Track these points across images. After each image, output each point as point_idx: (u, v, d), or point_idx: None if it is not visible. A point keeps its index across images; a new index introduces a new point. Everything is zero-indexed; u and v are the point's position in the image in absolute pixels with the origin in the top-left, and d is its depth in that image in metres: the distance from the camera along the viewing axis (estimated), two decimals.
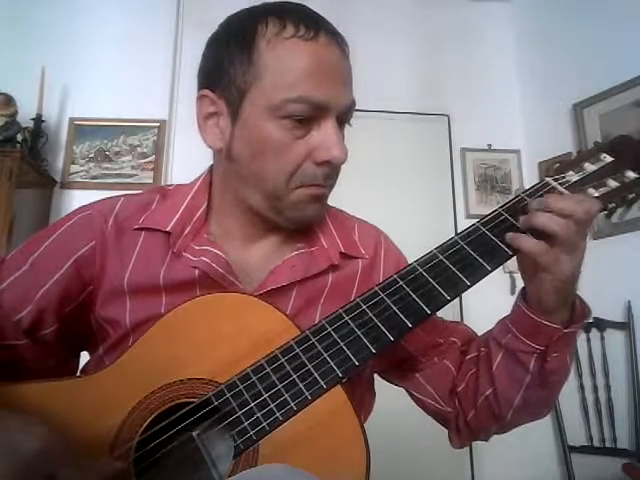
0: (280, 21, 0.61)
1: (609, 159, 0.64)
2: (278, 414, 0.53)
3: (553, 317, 0.60)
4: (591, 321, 2.08)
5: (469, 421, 0.71)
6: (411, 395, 0.77)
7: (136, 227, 0.68)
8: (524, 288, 0.64)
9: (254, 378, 0.55)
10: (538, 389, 0.64)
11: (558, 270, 0.57)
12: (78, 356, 0.74)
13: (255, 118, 0.62)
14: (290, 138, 0.61)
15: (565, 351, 0.62)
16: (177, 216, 0.68)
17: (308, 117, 0.61)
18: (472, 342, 0.75)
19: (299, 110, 0.60)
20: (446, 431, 0.76)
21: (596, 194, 0.61)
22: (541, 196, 0.61)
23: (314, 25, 0.62)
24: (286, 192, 0.63)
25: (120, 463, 0.52)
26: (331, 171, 0.65)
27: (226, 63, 0.63)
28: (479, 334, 0.76)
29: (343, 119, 0.65)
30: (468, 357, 0.73)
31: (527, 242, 0.57)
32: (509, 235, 0.59)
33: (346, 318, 0.57)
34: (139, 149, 2.41)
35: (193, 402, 0.55)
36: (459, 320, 2.26)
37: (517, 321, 0.64)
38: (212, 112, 0.65)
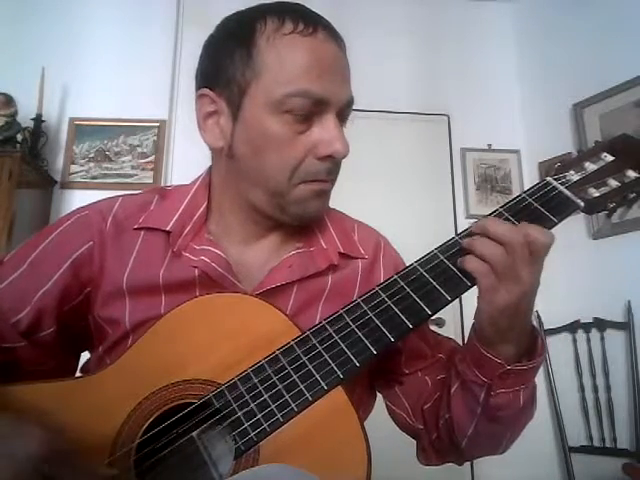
0: (279, 18, 0.62)
1: (610, 158, 0.64)
2: (279, 415, 0.53)
3: (497, 350, 0.57)
4: (591, 321, 2.08)
5: (433, 442, 0.69)
6: (387, 406, 0.75)
7: (136, 226, 0.68)
8: None
9: (255, 379, 0.55)
10: (487, 422, 0.61)
11: (492, 298, 0.54)
12: (77, 357, 0.74)
13: (256, 114, 0.62)
14: (291, 133, 0.61)
15: (516, 390, 0.58)
16: (177, 215, 0.68)
17: (309, 112, 0.61)
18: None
19: (300, 104, 0.60)
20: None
21: (597, 194, 0.61)
22: (542, 196, 0.61)
23: (312, 22, 0.62)
24: (289, 188, 0.63)
25: (116, 471, 0.52)
26: (333, 166, 0.65)
27: (225, 61, 0.63)
28: None
29: (342, 115, 0.65)
30: (438, 378, 0.71)
31: (470, 261, 0.55)
32: (460, 259, 0.57)
33: (347, 319, 0.57)
34: (139, 149, 2.41)
35: (194, 403, 0.55)
36: (459, 320, 2.26)
37: (468, 349, 0.61)
38: (212, 111, 0.65)
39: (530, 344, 0.59)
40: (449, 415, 0.65)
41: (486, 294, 0.55)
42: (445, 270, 0.58)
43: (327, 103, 0.61)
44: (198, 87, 0.67)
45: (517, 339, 0.58)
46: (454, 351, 0.74)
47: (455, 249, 0.60)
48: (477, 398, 0.60)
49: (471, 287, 0.58)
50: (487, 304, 0.56)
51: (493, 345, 0.58)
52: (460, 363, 0.63)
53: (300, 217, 0.67)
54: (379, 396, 0.78)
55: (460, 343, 0.76)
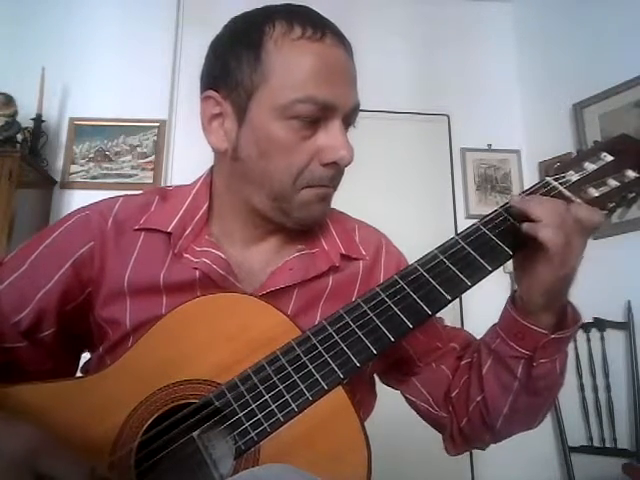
0: (287, 22, 0.61)
1: (609, 158, 0.64)
2: (279, 415, 0.53)
3: (538, 320, 0.60)
4: (591, 321, 2.08)
5: (462, 428, 0.70)
6: (406, 398, 0.76)
7: (136, 227, 0.68)
8: (514, 292, 0.63)
9: (255, 379, 0.55)
10: (526, 396, 0.63)
11: (559, 267, 0.56)
12: (78, 358, 0.74)
13: (262, 118, 0.61)
14: (297, 138, 0.61)
15: (554, 358, 0.61)
16: (178, 217, 0.68)
17: (315, 118, 0.61)
18: (469, 348, 0.74)
19: (306, 110, 0.60)
20: None
21: (596, 193, 0.61)
22: (542, 195, 0.61)
23: (321, 27, 0.62)
24: (292, 192, 0.63)
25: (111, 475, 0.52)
26: (337, 172, 0.65)
27: (232, 64, 0.63)
28: (479, 337, 0.76)
29: (348, 121, 0.65)
30: (463, 362, 0.72)
31: (544, 228, 0.55)
32: (526, 225, 0.56)
33: (347, 319, 0.57)
34: (139, 149, 2.41)
35: (194, 403, 0.55)
36: (459, 320, 2.26)
37: (505, 325, 0.63)
38: (217, 113, 0.65)
39: (562, 313, 0.62)
40: (482, 396, 0.66)
41: (553, 264, 0.56)
42: (445, 270, 0.58)
43: (333, 109, 0.61)
44: (203, 89, 0.67)
45: (560, 308, 0.61)
46: (467, 338, 0.76)
47: (455, 249, 0.60)
48: (514, 374, 0.62)
49: (470, 287, 0.58)
50: (550, 273, 0.56)
51: (535, 316, 0.60)
52: (492, 341, 0.65)
53: (303, 221, 0.67)
54: (386, 393, 0.78)
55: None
